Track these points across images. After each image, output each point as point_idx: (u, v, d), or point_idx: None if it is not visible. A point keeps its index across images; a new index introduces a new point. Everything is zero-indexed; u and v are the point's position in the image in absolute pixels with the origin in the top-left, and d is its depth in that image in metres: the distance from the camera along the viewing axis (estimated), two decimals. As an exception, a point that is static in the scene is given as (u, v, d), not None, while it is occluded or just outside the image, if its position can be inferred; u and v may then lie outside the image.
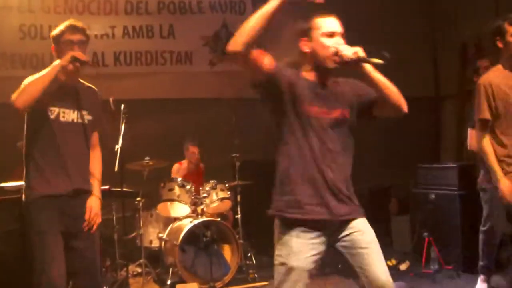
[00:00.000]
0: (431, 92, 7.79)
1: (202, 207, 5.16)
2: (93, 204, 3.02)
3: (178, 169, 5.89)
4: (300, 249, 2.37)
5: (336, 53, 2.35)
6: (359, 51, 2.33)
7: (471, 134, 4.27)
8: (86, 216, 2.96)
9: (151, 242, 5.45)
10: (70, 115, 2.96)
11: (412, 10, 7.76)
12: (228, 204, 5.33)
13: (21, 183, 3.06)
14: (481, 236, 4.21)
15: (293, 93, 2.40)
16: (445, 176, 5.37)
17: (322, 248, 2.43)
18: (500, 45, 3.40)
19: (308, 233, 2.38)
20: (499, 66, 3.49)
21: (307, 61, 2.47)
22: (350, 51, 2.33)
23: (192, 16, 6.89)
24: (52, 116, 2.89)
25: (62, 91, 2.92)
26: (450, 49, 7.64)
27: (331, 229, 2.42)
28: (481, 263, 4.24)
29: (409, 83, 7.29)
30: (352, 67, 2.36)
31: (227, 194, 5.28)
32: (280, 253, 2.42)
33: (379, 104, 2.52)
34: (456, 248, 5.15)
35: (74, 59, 2.83)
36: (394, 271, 5.33)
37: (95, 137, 3.18)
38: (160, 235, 5.28)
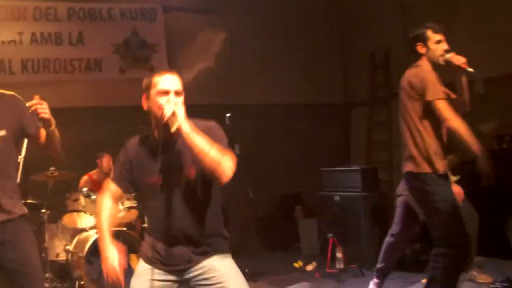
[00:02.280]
0: (340, 100, 8.00)
1: (108, 217, 5.08)
2: None
3: (87, 180, 5.78)
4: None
5: (161, 114, 2.35)
6: (177, 113, 2.32)
7: None
8: None
9: (57, 255, 5.31)
10: None
11: (321, 18, 7.99)
12: (134, 213, 5.29)
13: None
14: (388, 238, 4.32)
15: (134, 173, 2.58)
16: (349, 179, 5.59)
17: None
18: (421, 51, 3.63)
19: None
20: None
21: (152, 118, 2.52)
22: (169, 112, 2.33)
23: (102, 23, 6.79)
24: None
25: None
26: (358, 57, 7.90)
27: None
28: (379, 265, 4.36)
29: (319, 91, 7.63)
30: (170, 128, 2.34)
31: (133, 203, 5.24)
32: None
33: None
34: (360, 247, 5.37)
35: None
36: (300, 273, 5.51)
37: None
38: (67, 247, 5.16)
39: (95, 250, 4.89)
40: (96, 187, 5.60)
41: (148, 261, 2.52)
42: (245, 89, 7.19)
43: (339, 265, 5.19)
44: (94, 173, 5.87)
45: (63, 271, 5.25)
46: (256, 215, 7.10)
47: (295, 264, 5.61)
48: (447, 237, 3.48)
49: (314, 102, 7.51)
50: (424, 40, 3.61)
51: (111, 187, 2.60)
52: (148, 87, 2.48)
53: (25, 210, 2.90)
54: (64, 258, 5.23)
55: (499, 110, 5.97)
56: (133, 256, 5.10)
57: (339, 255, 5.22)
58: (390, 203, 5.55)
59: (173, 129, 2.32)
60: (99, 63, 6.73)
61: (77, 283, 4.88)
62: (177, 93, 2.44)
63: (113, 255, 2.47)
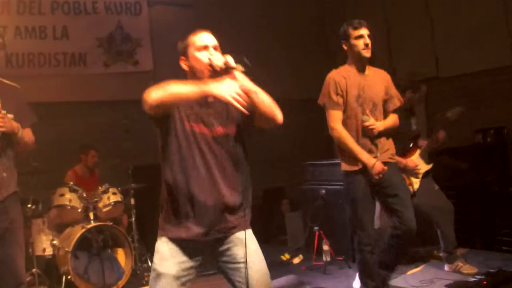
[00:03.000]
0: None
1: (94, 211, 5.09)
2: None
3: (72, 175, 5.74)
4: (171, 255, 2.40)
5: (210, 65, 2.41)
6: (229, 60, 2.38)
7: None
8: None
9: (44, 250, 5.28)
10: None
11: (308, 13, 8.00)
12: (121, 208, 5.30)
13: None
14: None
15: (178, 114, 2.43)
16: (333, 172, 5.61)
17: (197, 256, 2.45)
18: (345, 47, 3.78)
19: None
20: (346, 66, 3.84)
21: (190, 78, 2.51)
22: (220, 61, 2.39)
23: (86, 16, 6.73)
24: None
25: None
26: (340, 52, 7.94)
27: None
28: None
29: (302, 85, 7.64)
30: (224, 76, 2.38)
31: (119, 197, 5.24)
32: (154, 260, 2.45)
33: (256, 114, 2.46)
34: (345, 240, 5.40)
35: None
36: (287, 266, 5.55)
37: None
38: (54, 242, 5.14)
39: (82, 244, 4.90)
40: (81, 181, 5.59)
41: (179, 235, 2.40)
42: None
43: (326, 258, 5.24)
44: (78, 168, 5.84)
45: (49, 266, 5.23)
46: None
47: (282, 257, 5.64)
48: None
49: (297, 96, 7.52)
50: (346, 37, 3.75)
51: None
52: (186, 47, 2.50)
53: None
54: (51, 253, 5.21)
55: (481, 104, 6.07)
56: (119, 251, 5.12)
57: (325, 247, 5.27)
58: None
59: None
60: (84, 58, 6.68)
61: (64, 278, 4.86)
62: (215, 48, 2.49)
63: None
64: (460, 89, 6.42)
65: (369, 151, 3.68)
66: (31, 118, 3.20)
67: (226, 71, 2.38)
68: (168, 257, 2.39)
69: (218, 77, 2.36)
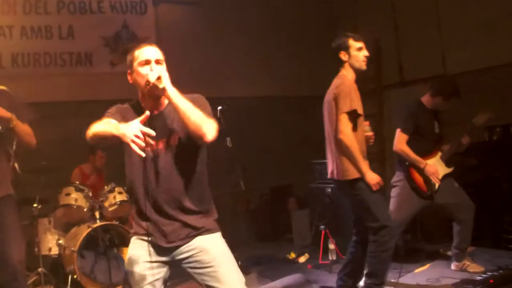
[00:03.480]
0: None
1: (100, 211, 5.10)
2: None
3: (78, 173, 5.76)
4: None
5: (146, 80, 2.47)
6: (162, 77, 2.43)
7: (399, 136, 4.52)
8: None
9: (50, 249, 5.30)
10: None
11: (311, 11, 7.95)
12: (127, 207, 5.28)
13: None
14: None
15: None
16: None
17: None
18: (344, 58, 3.92)
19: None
20: (346, 74, 3.98)
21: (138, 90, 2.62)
22: (154, 77, 2.44)
23: (92, 16, 6.74)
24: None
25: None
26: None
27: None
28: None
29: (308, 83, 7.60)
30: (158, 92, 2.46)
31: (125, 197, 5.23)
32: None
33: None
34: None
35: None
36: (293, 264, 5.54)
37: None
38: (60, 241, 5.16)
39: (88, 244, 4.90)
40: (87, 180, 5.60)
41: (141, 239, 2.56)
42: (235, 82, 7.16)
43: (332, 257, 5.23)
44: (85, 166, 5.85)
45: (56, 265, 5.24)
46: (248, 208, 7.11)
47: (288, 256, 5.63)
48: None
49: (303, 94, 7.50)
50: (346, 48, 3.90)
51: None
52: (131, 61, 2.59)
53: None
54: (57, 252, 5.22)
55: (489, 101, 6.01)
56: (125, 250, 5.11)
57: (331, 246, 5.26)
58: (383, 194, 5.58)
59: (160, 90, 2.42)
60: (90, 57, 6.70)
61: (70, 277, 4.87)
62: (158, 62, 2.55)
63: None
64: (467, 87, 6.36)
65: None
66: (27, 115, 3.21)
67: (154, 88, 2.44)
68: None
69: (156, 92, 2.46)
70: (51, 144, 5.93)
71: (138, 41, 6.92)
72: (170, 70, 2.60)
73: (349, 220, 5.43)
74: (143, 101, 2.60)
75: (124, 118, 2.55)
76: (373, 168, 3.87)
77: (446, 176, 4.58)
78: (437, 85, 4.60)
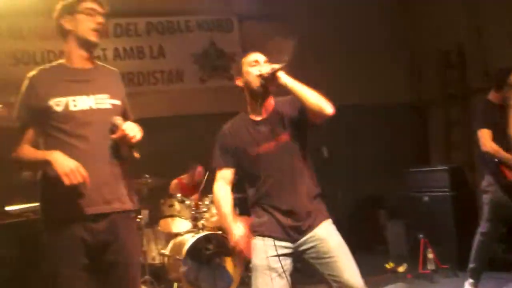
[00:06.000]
0: (413, 99, 7.88)
1: (202, 221, 5.27)
2: None
3: (177, 185, 5.98)
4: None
5: (259, 74, 2.66)
6: (275, 66, 2.63)
7: (483, 135, 4.32)
8: None
9: (153, 258, 5.53)
10: None
11: (388, 18, 7.92)
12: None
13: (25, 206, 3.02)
14: (478, 238, 4.31)
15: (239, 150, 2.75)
16: (436, 179, 5.55)
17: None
18: None
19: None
20: None
21: (245, 94, 2.78)
22: (268, 68, 2.64)
23: (180, 35, 7.05)
24: None
25: None
26: (427, 55, 7.78)
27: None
28: (471, 265, 4.34)
29: (389, 90, 7.54)
30: (272, 82, 2.63)
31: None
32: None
33: (306, 110, 2.67)
34: (451, 248, 5.31)
35: None
36: (392, 274, 5.49)
37: None
38: (162, 251, 5.36)
39: (191, 253, 5.07)
40: (186, 191, 5.81)
41: (268, 233, 2.66)
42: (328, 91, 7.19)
43: (431, 266, 5.17)
44: (184, 177, 6.07)
45: (157, 274, 5.44)
46: (344, 217, 7.10)
47: (386, 266, 5.60)
48: None
49: (384, 102, 7.42)
50: None
51: (221, 173, 2.82)
52: (240, 68, 2.78)
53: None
54: (160, 261, 5.44)
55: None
56: (227, 259, 5.25)
57: (430, 255, 5.20)
58: (478, 202, 5.46)
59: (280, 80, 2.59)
60: (181, 74, 6.98)
61: (175, 284, 5.04)
62: (265, 62, 2.74)
63: (238, 230, 2.66)
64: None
65: None
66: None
67: (272, 75, 2.61)
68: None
69: (270, 83, 2.63)
70: (150, 158, 6.20)
71: (226, 58, 7.18)
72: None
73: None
74: (251, 105, 2.77)
75: (233, 138, 2.78)
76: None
77: None
78: (496, 78, 4.48)
